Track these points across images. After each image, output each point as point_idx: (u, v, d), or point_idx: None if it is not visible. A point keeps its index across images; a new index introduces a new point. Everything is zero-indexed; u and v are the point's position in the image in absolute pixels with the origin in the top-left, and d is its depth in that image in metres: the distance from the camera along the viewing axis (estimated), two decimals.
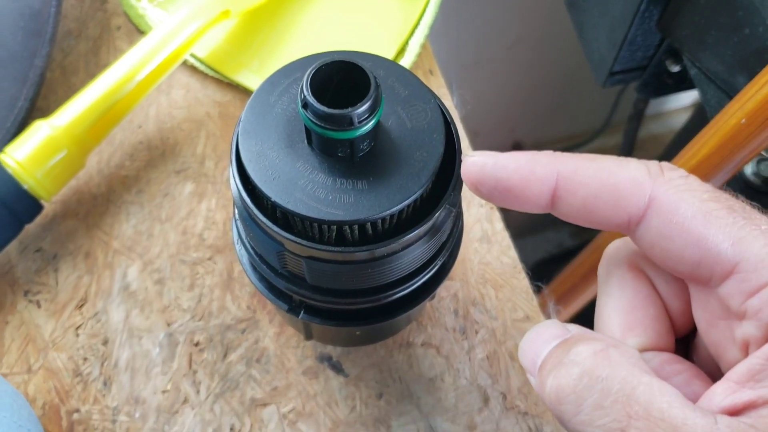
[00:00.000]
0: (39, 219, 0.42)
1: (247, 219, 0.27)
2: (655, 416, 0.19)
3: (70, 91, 0.46)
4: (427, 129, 0.26)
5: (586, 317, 0.68)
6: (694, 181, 0.22)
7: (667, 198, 0.21)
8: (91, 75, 0.47)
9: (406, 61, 0.45)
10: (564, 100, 1.17)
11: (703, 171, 0.47)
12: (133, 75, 0.41)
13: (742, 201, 0.22)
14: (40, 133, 0.39)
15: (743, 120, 0.43)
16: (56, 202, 0.43)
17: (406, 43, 0.46)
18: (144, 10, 0.48)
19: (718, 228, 0.20)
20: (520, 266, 0.41)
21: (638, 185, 0.22)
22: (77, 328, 0.39)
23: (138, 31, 0.49)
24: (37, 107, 0.45)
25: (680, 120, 1.28)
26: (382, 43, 0.46)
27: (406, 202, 0.25)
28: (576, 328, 0.23)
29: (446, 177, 0.26)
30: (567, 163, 0.23)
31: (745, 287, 0.20)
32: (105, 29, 0.49)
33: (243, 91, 0.47)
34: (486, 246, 0.42)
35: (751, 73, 0.47)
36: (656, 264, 0.23)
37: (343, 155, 0.25)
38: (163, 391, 0.38)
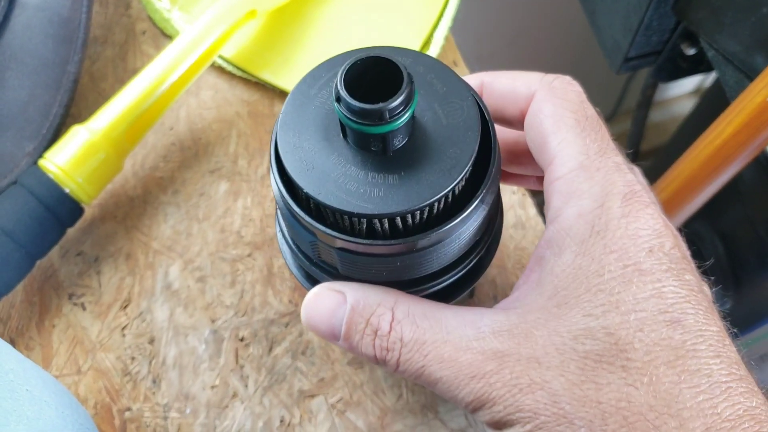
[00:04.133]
0: (78, 223, 0.42)
1: (284, 209, 0.27)
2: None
3: (100, 96, 0.47)
4: (462, 126, 0.27)
5: None
6: (571, 91, 0.28)
7: (538, 96, 0.28)
8: (119, 80, 0.48)
9: (431, 54, 0.46)
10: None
11: (730, 149, 0.47)
12: (164, 79, 0.42)
13: (599, 114, 0.28)
14: (78, 137, 0.39)
15: None
16: (94, 206, 0.43)
17: (431, 35, 0.47)
18: (168, 13, 0.48)
19: (558, 130, 0.27)
20: None
21: (528, 87, 0.28)
22: (123, 328, 0.40)
23: (163, 35, 0.49)
24: (69, 113, 0.45)
25: (683, 107, 1.28)
26: (407, 37, 0.47)
27: (435, 198, 0.25)
28: (349, 292, 0.28)
29: (482, 174, 0.27)
30: (490, 75, 0.30)
31: (551, 176, 0.27)
32: (130, 34, 0.50)
33: (270, 90, 0.47)
34: (521, 232, 0.42)
35: None
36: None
37: (377, 149, 0.26)
38: (212, 387, 0.38)
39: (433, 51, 0.46)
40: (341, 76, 0.24)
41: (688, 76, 0.63)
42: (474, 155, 0.26)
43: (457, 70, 0.48)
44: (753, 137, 0.45)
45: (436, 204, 0.25)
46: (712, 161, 0.50)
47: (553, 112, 0.27)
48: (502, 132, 0.32)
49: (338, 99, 0.24)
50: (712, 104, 0.75)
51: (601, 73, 0.90)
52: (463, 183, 0.26)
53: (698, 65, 0.62)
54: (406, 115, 0.24)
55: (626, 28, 0.58)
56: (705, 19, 0.53)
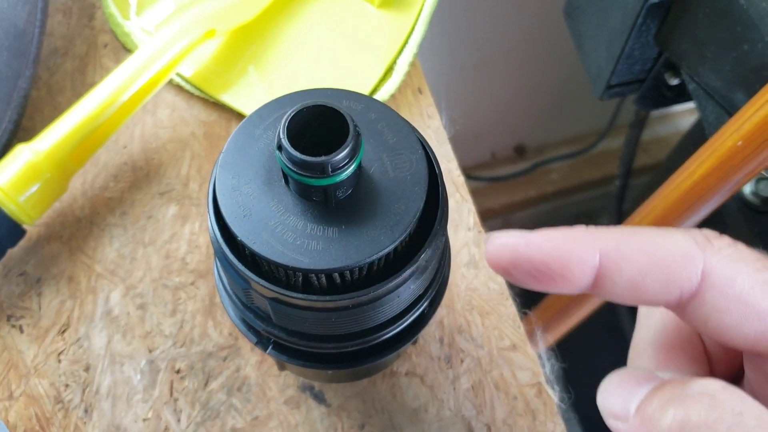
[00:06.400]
0: (23, 242, 0.41)
1: (218, 252, 0.27)
2: None
3: (55, 110, 0.46)
4: (409, 180, 0.25)
5: (570, 344, 0.67)
6: (743, 249, 0.21)
7: (721, 269, 0.20)
8: (77, 93, 0.47)
9: (394, 81, 0.45)
10: (567, 102, 1.16)
11: (701, 191, 0.46)
12: (118, 96, 0.41)
13: None
14: (21, 158, 0.38)
15: (740, 142, 0.42)
16: (40, 224, 0.42)
17: (394, 62, 0.46)
18: (130, 28, 0.47)
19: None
20: (507, 292, 0.41)
21: (688, 258, 0.21)
22: (59, 353, 0.39)
23: (124, 49, 0.48)
24: (21, 127, 0.44)
25: (685, 122, 1.26)
26: (369, 63, 0.45)
27: (376, 257, 0.24)
28: (666, 373, 0.22)
29: (427, 227, 0.26)
30: (608, 239, 0.21)
31: None
32: (92, 47, 0.49)
33: (228, 111, 0.46)
34: (473, 271, 0.41)
35: (750, 90, 0.46)
36: (709, 337, 0.23)
37: (318, 200, 0.25)
38: (144, 419, 0.37)
39: (396, 78, 0.45)
40: (284, 124, 0.23)
41: (672, 105, 0.61)
42: (419, 213, 0.25)
43: (421, 98, 0.46)
44: (724, 181, 0.44)
45: (376, 261, 0.24)
46: (685, 200, 0.48)
47: (755, 280, 0.20)
48: (530, 249, 0.22)
49: (279, 147, 0.23)
50: None
51: None
52: (407, 239, 0.25)
53: (682, 95, 0.60)
54: (350, 168, 0.23)
55: (609, 55, 0.57)
56: (687, 52, 0.51)
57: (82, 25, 0.49)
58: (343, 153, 0.23)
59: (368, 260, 0.24)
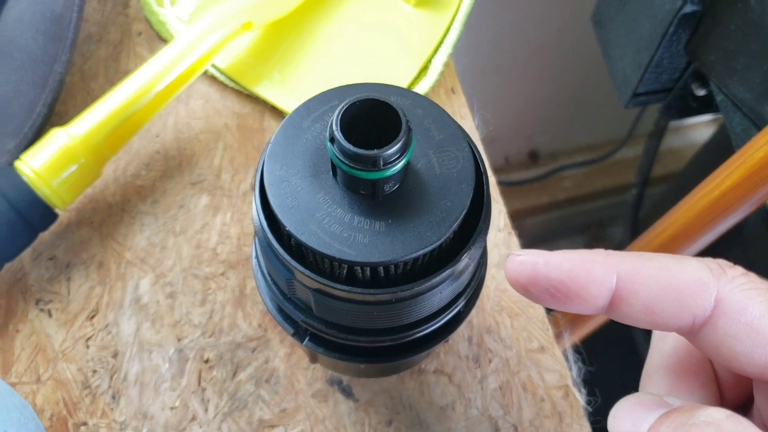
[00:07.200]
0: (53, 226, 0.41)
1: (263, 241, 0.27)
2: None
3: (88, 96, 0.46)
4: (456, 177, 0.26)
5: (594, 343, 0.67)
6: (756, 279, 0.22)
7: (734, 298, 0.21)
8: (110, 81, 0.47)
9: (428, 80, 0.45)
10: (584, 111, 1.16)
11: (728, 202, 0.46)
12: (153, 85, 0.41)
13: None
14: (56, 141, 0.39)
15: None
16: (71, 210, 0.42)
17: (429, 61, 0.46)
18: (165, 17, 0.47)
19: None
20: None
21: (702, 285, 0.21)
22: (88, 339, 0.39)
23: (159, 38, 0.48)
24: (55, 112, 0.44)
25: (701, 134, 1.27)
26: (404, 61, 0.46)
27: (421, 252, 0.24)
28: (675, 399, 0.23)
29: (470, 226, 0.26)
30: (625, 262, 0.22)
31: None
32: (126, 34, 0.49)
33: (262, 103, 0.46)
34: (503, 272, 0.41)
35: None
36: (720, 364, 0.23)
37: (366, 193, 0.25)
38: (171, 408, 0.37)
39: (431, 77, 0.45)
40: (338, 117, 0.23)
41: (697, 115, 0.62)
42: (465, 210, 0.25)
43: (454, 98, 0.47)
44: (752, 192, 0.44)
45: (421, 257, 0.24)
46: (710, 212, 0.48)
47: (764, 308, 0.21)
48: (548, 268, 0.23)
49: (332, 139, 0.23)
50: (729, 137, 0.74)
51: (614, 97, 0.89)
52: (452, 237, 0.25)
53: (709, 106, 0.60)
54: (401, 163, 0.23)
55: (637, 63, 0.57)
56: (716, 63, 0.51)
57: (117, 13, 0.50)
58: (396, 147, 0.23)
59: (414, 255, 0.24)
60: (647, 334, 0.81)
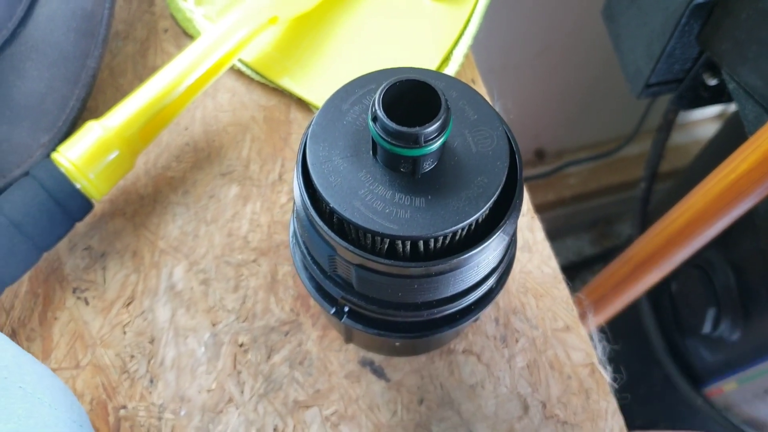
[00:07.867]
0: (88, 218, 0.42)
1: (305, 219, 0.28)
2: None
3: (118, 92, 0.47)
4: (491, 155, 0.27)
5: (617, 325, 0.68)
6: None
7: None
8: (138, 77, 0.48)
9: (450, 71, 0.46)
10: (590, 108, 1.17)
11: (744, 185, 0.47)
12: (182, 79, 0.42)
13: None
14: (92, 134, 0.40)
15: None
16: (104, 201, 0.43)
17: (451, 52, 0.47)
18: (191, 13, 0.49)
19: None
20: (560, 276, 0.42)
21: None
22: (124, 325, 0.40)
23: (185, 34, 0.50)
24: (86, 107, 0.46)
25: (706, 131, 1.28)
26: (427, 53, 0.47)
27: (461, 225, 0.25)
28: None
29: (504, 203, 0.27)
30: None
31: None
32: (152, 32, 0.50)
33: (288, 96, 0.47)
34: (527, 255, 0.42)
35: None
36: None
37: (406, 171, 0.26)
38: (208, 390, 0.38)
39: (453, 68, 0.46)
40: (380, 96, 0.24)
41: (708, 105, 0.63)
42: (501, 186, 0.26)
43: (475, 88, 0.48)
44: (766, 176, 0.45)
45: (459, 231, 0.25)
46: (725, 196, 0.49)
47: None
48: None
49: (375, 118, 0.24)
50: (735, 131, 0.75)
51: (619, 93, 0.90)
52: (488, 212, 0.26)
53: (720, 96, 0.61)
54: (440, 140, 0.25)
55: (649, 54, 0.58)
56: (728, 51, 0.53)
57: (143, 11, 0.51)
58: (436, 125, 0.24)
59: (453, 228, 0.25)
60: (657, 323, 0.82)
